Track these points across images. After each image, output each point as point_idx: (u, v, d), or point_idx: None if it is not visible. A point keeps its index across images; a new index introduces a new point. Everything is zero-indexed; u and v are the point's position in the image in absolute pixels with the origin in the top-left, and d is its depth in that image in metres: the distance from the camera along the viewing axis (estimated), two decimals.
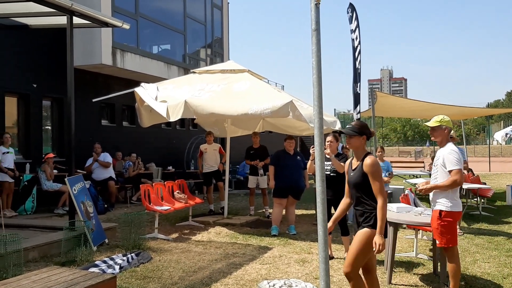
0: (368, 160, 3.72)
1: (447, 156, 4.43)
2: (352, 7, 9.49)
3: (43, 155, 10.37)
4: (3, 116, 10.05)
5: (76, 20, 6.95)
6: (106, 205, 10.34)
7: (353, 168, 3.87)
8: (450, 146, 4.53)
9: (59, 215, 9.38)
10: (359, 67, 9.44)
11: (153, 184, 8.45)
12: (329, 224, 3.83)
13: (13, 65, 10.15)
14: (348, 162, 4.06)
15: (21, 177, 9.62)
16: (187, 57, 15.01)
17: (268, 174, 8.40)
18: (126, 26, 7.32)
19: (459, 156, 4.47)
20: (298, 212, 9.78)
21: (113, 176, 11.05)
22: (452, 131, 6.50)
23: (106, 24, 7.22)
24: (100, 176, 10.86)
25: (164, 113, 7.48)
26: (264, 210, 9.99)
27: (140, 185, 7.88)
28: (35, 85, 10.71)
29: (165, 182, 8.72)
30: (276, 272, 5.50)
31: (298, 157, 7.92)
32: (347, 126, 4.02)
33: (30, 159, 10.50)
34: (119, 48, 11.87)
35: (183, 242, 7.16)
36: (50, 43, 10.61)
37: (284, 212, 8.02)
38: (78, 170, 10.67)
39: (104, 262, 5.69)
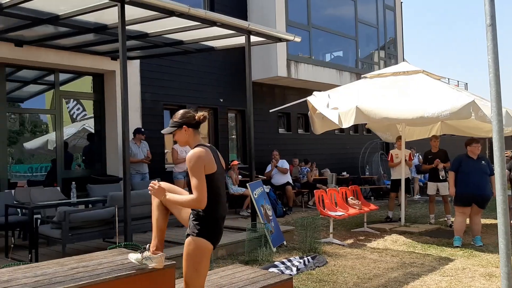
0: (189, 154, 3.17)
1: None
2: None
3: (230, 162, 11.45)
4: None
5: (253, 38, 7.56)
6: (284, 209, 10.90)
7: None
8: None
9: (244, 216, 10.22)
10: None
11: (327, 189, 8.63)
12: None
13: (205, 83, 11.46)
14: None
15: None
16: (359, 62, 14.95)
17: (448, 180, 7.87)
18: (298, 39, 7.69)
19: None
20: (486, 221, 8.91)
21: (290, 181, 11.61)
22: None
23: (279, 40, 7.70)
24: (279, 181, 11.51)
25: (336, 120, 7.61)
26: (446, 219, 9.35)
27: (314, 191, 8.13)
28: (221, 100, 11.90)
29: (339, 188, 8.83)
30: (458, 285, 5.14)
31: (483, 161, 7.25)
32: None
33: None
34: (293, 60, 12.45)
35: (358, 248, 7.16)
36: (233, 62, 11.67)
37: (468, 221, 7.41)
38: (259, 176, 11.51)
39: (283, 263, 6.04)
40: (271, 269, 5.54)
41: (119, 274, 3.33)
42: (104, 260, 3.75)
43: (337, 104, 7.91)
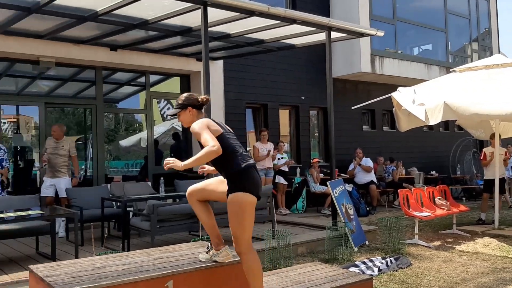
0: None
1: None
2: None
3: (311, 160, 11.42)
4: (278, 126, 11.50)
5: (334, 34, 7.47)
6: (368, 208, 10.65)
7: None
8: None
9: (325, 215, 10.13)
10: None
11: (412, 189, 8.30)
12: None
13: (286, 81, 11.53)
14: None
15: (293, 180, 10.83)
16: (450, 55, 14.16)
17: None
18: (381, 34, 7.47)
19: None
20: None
21: (375, 180, 11.31)
22: None
23: (361, 35, 7.53)
24: (362, 180, 11.26)
25: (422, 116, 7.30)
26: None
27: (399, 190, 7.86)
28: (303, 97, 11.89)
29: (425, 188, 8.45)
30: None
31: None
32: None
33: (300, 163, 11.70)
34: (378, 55, 12.10)
35: (445, 251, 6.82)
36: (315, 58, 11.60)
37: None
38: (342, 174, 11.35)
39: (364, 263, 5.92)
40: (351, 269, 5.45)
41: (199, 266, 3.48)
42: (187, 252, 3.94)
43: (424, 100, 7.57)
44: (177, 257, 3.69)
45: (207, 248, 3.64)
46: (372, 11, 11.94)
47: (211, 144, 3.20)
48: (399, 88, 8.50)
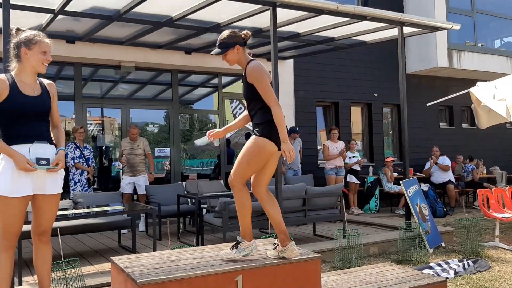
0: (249, 66, 3.25)
1: None
2: None
3: (384, 159, 11.15)
4: (350, 124, 11.36)
5: (407, 29, 7.27)
6: (445, 209, 10.22)
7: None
8: None
9: (399, 215, 9.87)
10: None
11: (493, 189, 7.86)
12: None
13: (357, 78, 11.35)
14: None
15: (365, 179, 10.64)
16: None
17: None
18: (456, 27, 7.15)
19: None
20: None
21: (452, 179, 10.82)
22: None
23: (436, 29, 7.26)
24: (439, 179, 10.82)
25: (503, 112, 6.89)
26: None
27: (477, 190, 7.49)
28: (376, 94, 11.64)
29: (508, 188, 7.97)
30: None
31: None
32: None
33: (373, 162, 11.48)
34: (455, 49, 11.57)
35: None
36: (387, 54, 11.33)
37: None
38: (417, 173, 10.99)
39: (439, 265, 5.72)
40: (425, 271, 5.30)
41: (268, 262, 3.57)
42: None
43: (505, 95, 7.13)
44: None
45: (273, 245, 3.72)
46: (448, 4, 11.42)
47: (277, 103, 3.27)
48: (478, 83, 8.07)
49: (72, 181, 7.71)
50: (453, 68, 11.59)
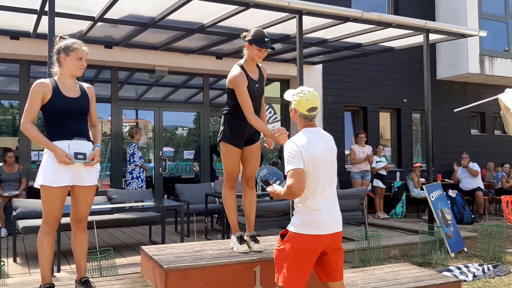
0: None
1: None
2: None
3: (413, 164, 11.16)
4: (378, 129, 11.43)
5: (433, 36, 7.36)
6: (473, 216, 10.16)
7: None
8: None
9: (426, 221, 9.84)
10: None
11: None
12: None
13: (386, 84, 11.42)
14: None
15: (392, 184, 10.69)
16: None
17: None
18: (483, 34, 7.20)
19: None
20: None
21: (482, 186, 10.73)
22: None
23: (462, 35, 7.32)
24: (468, 186, 10.74)
25: None
26: None
27: (502, 197, 7.48)
28: (405, 100, 11.67)
29: None
30: None
31: None
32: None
33: (401, 167, 11.50)
34: (487, 55, 11.48)
35: None
36: (416, 60, 11.34)
37: None
38: (446, 180, 10.96)
39: (459, 268, 5.80)
40: (444, 273, 5.40)
41: None
42: (275, 243, 4.28)
43: None
44: (265, 247, 4.05)
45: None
46: (481, 10, 11.36)
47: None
48: (507, 90, 8.05)
49: (134, 178, 8.28)
50: (485, 74, 11.51)
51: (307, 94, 3.10)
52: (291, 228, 3.02)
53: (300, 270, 2.93)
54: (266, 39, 3.78)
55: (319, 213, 2.98)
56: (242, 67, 3.86)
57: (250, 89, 3.79)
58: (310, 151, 2.98)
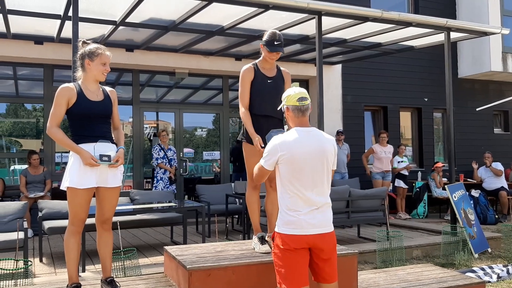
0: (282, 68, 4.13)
1: None
2: None
3: (434, 164, 11.03)
4: (399, 129, 11.33)
5: (454, 34, 7.28)
6: (497, 216, 9.99)
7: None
8: None
9: (448, 221, 9.72)
10: None
11: None
12: None
13: (407, 83, 11.32)
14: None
15: (413, 184, 10.59)
16: None
17: None
18: (505, 31, 7.08)
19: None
20: None
21: (506, 186, 10.55)
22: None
23: (484, 33, 7.22)
24: (491, 185, 10.57)
25: None
26: None
27: None
28: (426, 99, 11.55)
29: None
30: None
31: None
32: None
33: (422, 167, 11.38)
34: (510, 52, 11.29)
35: None
36: (437, 59, 11.21)
37: None
38: (468, 180, 10.81)
39: (482, 269, 5.72)
40: (468, 274, 5.34)
41: None
42: None
43: None
44: None
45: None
46: (503, 7, 11.18)
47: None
48: None
49: (155, 178, 8.51)
50: (507, 72, 11.31)
51: (293, 89, 3.18)
52: (276, 228, 3.06)
53: (292, 269, 2.93)
54: (276, 43, 3.79)
55: (297, 213, 2.95)
56: (255, 64, 3.99)
57: (260, 84, 3.90)
58: (290, 151, 2.96)
